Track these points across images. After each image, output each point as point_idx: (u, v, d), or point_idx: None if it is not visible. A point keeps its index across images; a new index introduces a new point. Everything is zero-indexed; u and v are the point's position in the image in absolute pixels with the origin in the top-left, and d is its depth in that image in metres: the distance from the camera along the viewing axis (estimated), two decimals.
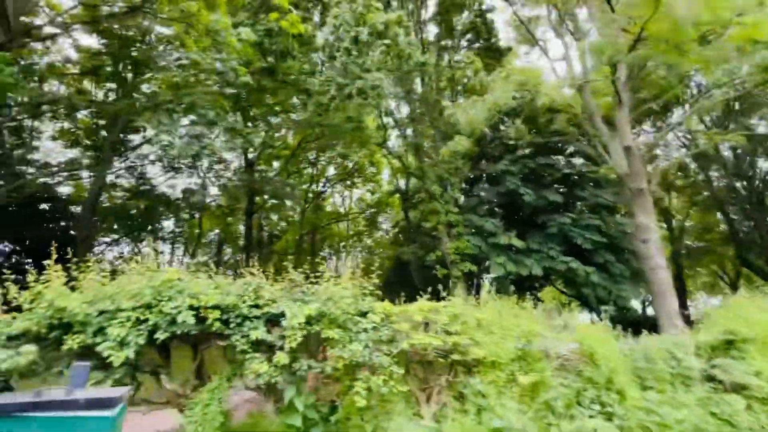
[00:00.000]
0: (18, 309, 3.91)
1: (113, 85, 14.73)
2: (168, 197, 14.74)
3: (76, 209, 14.34)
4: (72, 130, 15.49)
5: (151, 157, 13.90)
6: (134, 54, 12.50)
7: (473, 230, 13.83)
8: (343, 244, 30.92)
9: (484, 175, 15.68)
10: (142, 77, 13.78)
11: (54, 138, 15.89)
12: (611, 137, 11.47)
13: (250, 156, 19.09)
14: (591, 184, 15.58)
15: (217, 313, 4.11)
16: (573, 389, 5.00)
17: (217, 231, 24.95)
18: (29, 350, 3.55)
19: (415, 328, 4.60)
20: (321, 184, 27.35)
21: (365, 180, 27.43)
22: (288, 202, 20.36)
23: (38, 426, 1.79)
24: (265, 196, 18.97)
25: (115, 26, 11.82)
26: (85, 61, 13.58)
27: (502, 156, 15.83)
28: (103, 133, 14.32)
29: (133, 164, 13.81)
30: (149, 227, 14.87)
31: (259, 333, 4.09)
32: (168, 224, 19.51)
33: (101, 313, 3.89)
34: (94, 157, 13.94)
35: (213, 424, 4.02)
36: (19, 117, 13.21)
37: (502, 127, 16.65)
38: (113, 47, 12.39)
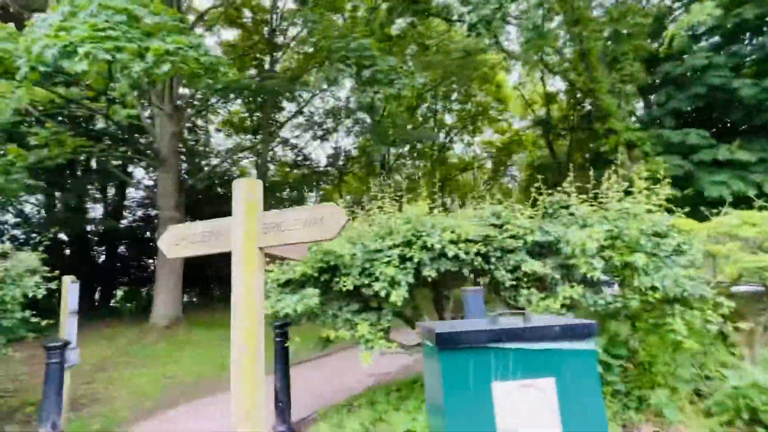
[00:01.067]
0: None
1: (253, 71, 15.87)
2: (318, 165, 15.67)
3: None
4: (228, 119, 17.47)
5: (301, 129, 14.71)
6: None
7: (664, 148, 11.15)
8: (472, 194, 29.43)
9: (668, 78, 12.38)
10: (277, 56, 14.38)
11: (218, 130, 17.99)
12: None
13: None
14: None
15: (475, 247, 3.57)
16: None
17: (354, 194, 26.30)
18: (314, 293, 3.54)
19: (739, 249, 3.37)
20: (443, 134, 26.21)
21: (490, 121, 25.30)
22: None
23: (512, 357, 1.16)
24: (403, 148, 18.68)
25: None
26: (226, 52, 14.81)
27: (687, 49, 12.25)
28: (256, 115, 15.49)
29: (287, 138, 14.88)
30: (309, 192, 16.19)
31: (533, 265, 3.41)
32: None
33: (366, 253, 3.69)
34: (252, 139, 15.34)
35: None
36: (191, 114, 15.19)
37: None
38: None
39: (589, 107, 19.00)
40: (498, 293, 4.08)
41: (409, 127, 18.60)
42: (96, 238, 15.29)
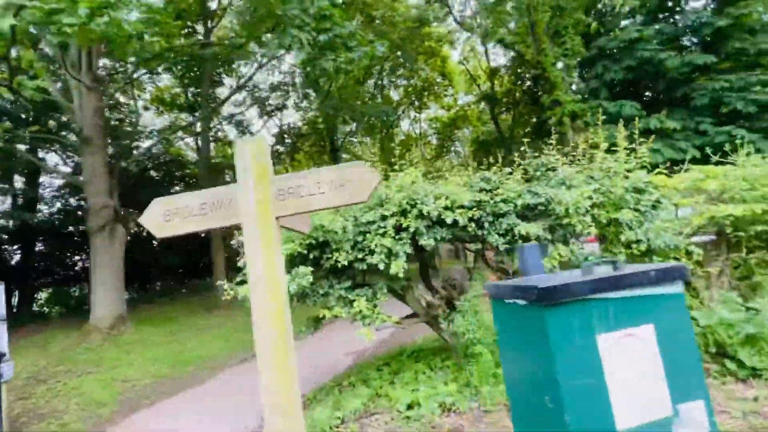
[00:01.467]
0: None
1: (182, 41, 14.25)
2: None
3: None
4: (157, 95, 15.67)
5: (245, 106, 13.59)
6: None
7: (604, 118, 11.97)
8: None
9: (603, 52, 13.21)
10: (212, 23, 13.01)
11: (145, 108, 16.13)
12: None
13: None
14: (746, 32, 12.50)
15: (470, 213, 3.51)
16: None
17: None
18: (306, 271, 3.26)
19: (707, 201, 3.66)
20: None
21: (436, 97, 25.51)
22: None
23: (613, 307, 1.09)
24: (352, 126, 18.14)
25: None
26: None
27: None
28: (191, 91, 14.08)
29: (232, 114, 13.63)
30: None
31: (527, 228, 3.43)
32: None
33: (357, 225, 3.47)
34: (188, 117, 13.95)
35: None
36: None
37: None
38: None
39: (529, 82, 19.87)
40: (484, 259, 4.10)
41: (357, 103, 18.08)
42: (5, 236, 13.18)
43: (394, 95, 25.46)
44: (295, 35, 6.28)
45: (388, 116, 16.73)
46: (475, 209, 3.50)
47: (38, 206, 14.34)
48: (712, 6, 13.45)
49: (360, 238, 3.48)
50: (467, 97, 25.94)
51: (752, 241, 3.83)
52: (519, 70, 18.87)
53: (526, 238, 3.58)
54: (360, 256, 3.43)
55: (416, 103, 26.09)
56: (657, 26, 12.82)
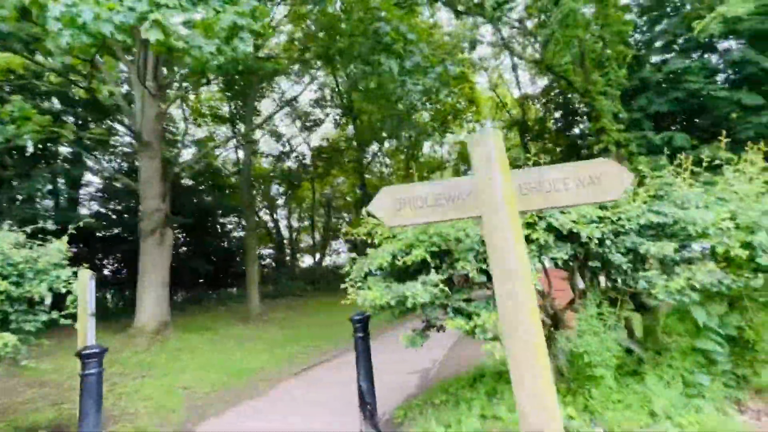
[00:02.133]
0: None
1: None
2: (305, 156, 14.84)
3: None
4: (195, 106, 16.04)
5: (289, 119, 13.86)
6: None
7: (647, 149, 11.95)
8: None
9: (646, 83, 13.33)
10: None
11: (185, 119, 16.49)
12: None
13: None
14: None
15: (595, 229, 3.41)
16: None
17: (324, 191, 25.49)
18: (435, 280, 3.18)
19: None
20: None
21: (462, 121, 25.81)
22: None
23: None
24: (383, 145, 18.33)
25: None
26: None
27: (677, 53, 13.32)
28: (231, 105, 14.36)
29: (275, 128, 13.89)
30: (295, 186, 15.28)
31: (656, 247, 3.31)
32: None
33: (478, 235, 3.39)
34: (231, 130, 14.22)
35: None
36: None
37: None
38: None
39: (560, 110, 20.07)
40: (596, 279, 3.97)
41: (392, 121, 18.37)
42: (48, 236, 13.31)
43: (425, 116, 25.84)
44: (379, 59, 6.41)
45: (428, 134, 16.82)
46: (600, 225, 3.42)
47: (77, 209, 14.55)
48: (743, 45, 13.64)
49: (482, 248, 3.40)
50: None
51: None
52: (551, 97, 19.08)
53: (646, 258, 3.47)
54: (483, 266, 3.34)
55: (442, 126, 26.41)
56: (701, 61, 12.93)
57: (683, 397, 3.40)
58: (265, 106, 14.95)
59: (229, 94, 14.60)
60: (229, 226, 17.22)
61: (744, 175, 3.76)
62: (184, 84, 12.26)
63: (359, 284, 3.52)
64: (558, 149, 20.22)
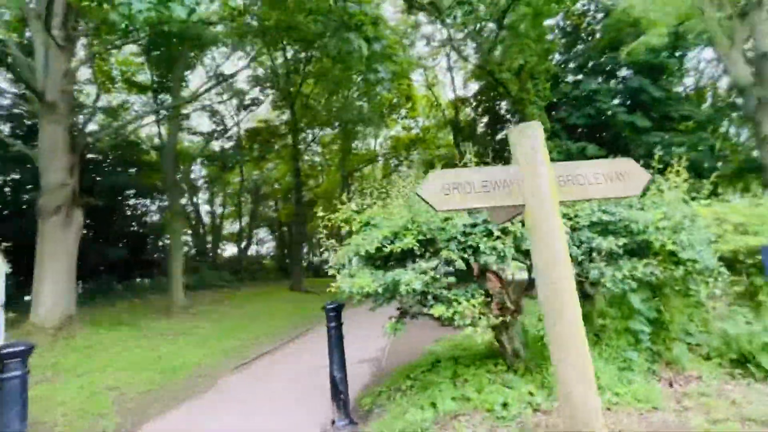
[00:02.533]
0: None
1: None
2: (240, 137, 13.66)
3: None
4: (105, 70, 13.88)
5: (224, 95, 12.61)
6: None
7: (565, 156, 13.47)
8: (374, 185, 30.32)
9: (567, 98, 14.97)
10: None
11: (100, 82, 14.22)
12: (729, 47, 10.83)
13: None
14: (673, 102, 15.15)
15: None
16: None
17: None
18: (427, 266, 3.22)
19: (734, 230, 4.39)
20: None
21: (399, 117, 26.24)
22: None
23: None
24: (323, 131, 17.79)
25: None
26: None
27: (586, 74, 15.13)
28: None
29: (208, 103, 12.47)
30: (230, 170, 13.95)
31: (603, 242, 3.79)
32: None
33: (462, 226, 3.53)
34: (154, 100, 12.62)
35: None
36: None
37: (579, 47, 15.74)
38: None
39: (489, 115, 21.57)
40: None
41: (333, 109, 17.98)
42: None
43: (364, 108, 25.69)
44: (348, 38, 6.16)
45: (375, 123, 16.74)
46: (563, 221, 3.79)
47: None
48: (639, 75, 16.14)
49: (463, 238, 3.54)
50: (427, 121, 27.18)
51: (750, 269, 4.67)
52: (481, 101, 20.39)
53: (599, 251, 3.95)
54: (465, 255, 3.49)
55: (378, 121, 26.57)
56: (607, 84, 14.90)
57: (618, 371, 3.95)
58: (197, 79, 13.52)
59: (151, 59, 12.90)
60: (143, 209, 15.34)
61: (671, 183, 4.45)
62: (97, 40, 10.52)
63: (347, 271, 3.42)
64: (488, 151, 21.81)
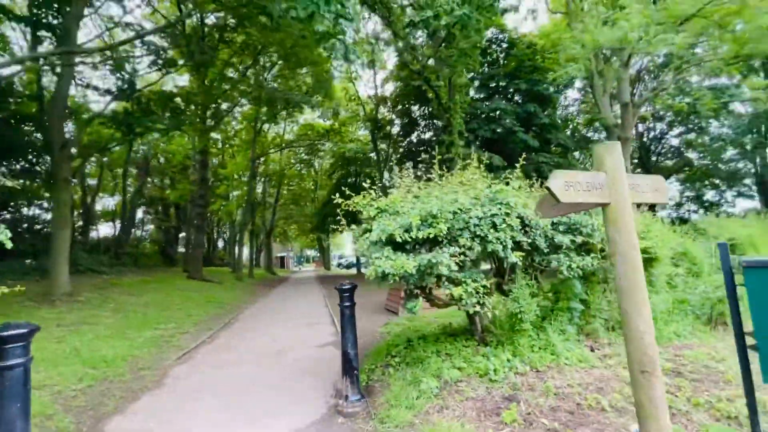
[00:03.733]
0: None
1: None
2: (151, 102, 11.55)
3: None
4: None
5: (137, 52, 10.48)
6: None
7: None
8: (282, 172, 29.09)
9: (477, 111, 16.92)
10: None
11: None
12: (602, 94, 13.86)
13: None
14: (555, 129, 18.46)
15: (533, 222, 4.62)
16: None
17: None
18: (454, 251, 3.62)
19: None
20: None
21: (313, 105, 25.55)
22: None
23: None
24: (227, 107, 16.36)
25: None
26: None
27: (492, 96, 17.32)
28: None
29: (112, 57, 10.13)
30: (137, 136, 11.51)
31: (561, 238, 4.78)
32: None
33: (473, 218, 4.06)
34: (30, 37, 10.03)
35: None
36: None
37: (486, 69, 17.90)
38: None
39: (407, 117, 22.83)
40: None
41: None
42: None
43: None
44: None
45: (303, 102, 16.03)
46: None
47: None
48: (531, 102, 19.33)
49: (473, 228, 4.07)
50: (345, 112, 27.22)
51: None
52: (402, 106, 21.49)
53: (558, 246, 4.93)
54: (476, 243, 4.01)
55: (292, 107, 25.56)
56: (511, 107, 17.36)
57: (562, 341, 4.99)
58: (93, 25, 11.07)
59: None
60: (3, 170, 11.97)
61: None
62: None
63: (383, 253, 3.61)
64: (400, 150, 23.04)
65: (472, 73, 18.19)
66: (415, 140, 23.08)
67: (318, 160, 31.85)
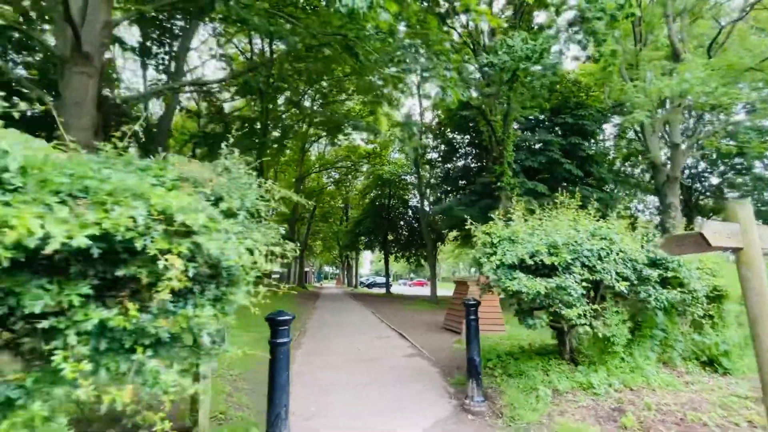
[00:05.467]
0: None
1: None
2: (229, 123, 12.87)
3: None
4: None
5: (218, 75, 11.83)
6: None
7: (524, 191, 15.91)
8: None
9: (524, 143, 17.67)
10: None
11: None
12: (651, 133, 14.43)
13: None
14: (595, 163, 19.00)
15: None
16: None
17: None
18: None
19: None
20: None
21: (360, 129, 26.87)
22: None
23: None
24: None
25: None
26: None
27: (533, 129, 18.13)
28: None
29: (200, 82, 11.49)
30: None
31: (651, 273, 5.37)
32: None
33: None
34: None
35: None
36: None
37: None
38: None
39: (446, 146, 23.78)
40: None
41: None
42: None
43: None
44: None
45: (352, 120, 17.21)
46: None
47: None
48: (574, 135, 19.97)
49: (583, 259, 4.73)
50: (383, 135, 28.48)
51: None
52: (444, 135, 22.51)
53: (647, 278, 5.50)
54: (585, 272, 4.67)
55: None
56: (557, 139, 18.03)
57: (648, 366, 5.50)
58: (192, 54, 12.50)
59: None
60: None
61: None
62: None
63: (516, 275, 4.30)
64: (439, 175, 23.95)
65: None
66: (451, 167, 23.96)
67: (353, 180, 33.03)
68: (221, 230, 1.86)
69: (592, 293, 5.66)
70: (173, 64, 10.80)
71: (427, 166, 24.29)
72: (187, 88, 11.37)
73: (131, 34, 12.81)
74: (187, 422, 3.39)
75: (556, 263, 4.43)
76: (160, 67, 10.47)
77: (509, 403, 4.44)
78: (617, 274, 4.91)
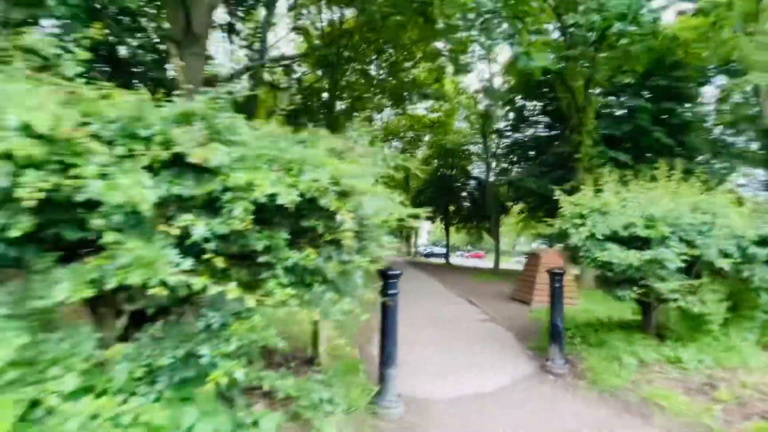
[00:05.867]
0: None
1: None
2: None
3: None
4: None
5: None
6: None
7: (603, 162, 14.88)
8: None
9: (606, 112, 16.35)
10: None
11: None
12: (765, 95, 12.56)
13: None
14: (690, 130, 17.02)
15: None
16: None
17: None
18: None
19: None
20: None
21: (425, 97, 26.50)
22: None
23: None
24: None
25: None
26: None
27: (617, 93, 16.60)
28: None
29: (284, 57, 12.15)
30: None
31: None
32: None
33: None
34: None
35: None
36: None
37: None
38: None
39: (515, 113, 22.67)
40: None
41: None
42: None
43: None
44: None
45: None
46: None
47: None
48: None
49: (681, 233, 4.58)
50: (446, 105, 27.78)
51: None
52: (512, 102, 21.47)
53: (752, 257, 5.15)
54: (677, 247, 4.53)
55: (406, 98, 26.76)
56: (647, 104, 16.40)
57: (746, 347, 5.25)
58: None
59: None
60: None
61: None
62: None
63: (607, 245, 4.34)
64: (506, 145, 23.11)
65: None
66: (521, 136, 22.85)
67: (415, 151, 32.90)
68: (376, 193, 2.24)
69: (687, 268, 5.48)
70: (258, 42, 11.51)
71: (494, 135, 23.44)
72: (268, 64, 12.13)
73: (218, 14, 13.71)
74: (308, 353, 4.06)
75: (651, 236, 4.36)
76: (248, 44, 11.24)
77: (590, 368, 4.60)
78: (719, 250, 4.69)
